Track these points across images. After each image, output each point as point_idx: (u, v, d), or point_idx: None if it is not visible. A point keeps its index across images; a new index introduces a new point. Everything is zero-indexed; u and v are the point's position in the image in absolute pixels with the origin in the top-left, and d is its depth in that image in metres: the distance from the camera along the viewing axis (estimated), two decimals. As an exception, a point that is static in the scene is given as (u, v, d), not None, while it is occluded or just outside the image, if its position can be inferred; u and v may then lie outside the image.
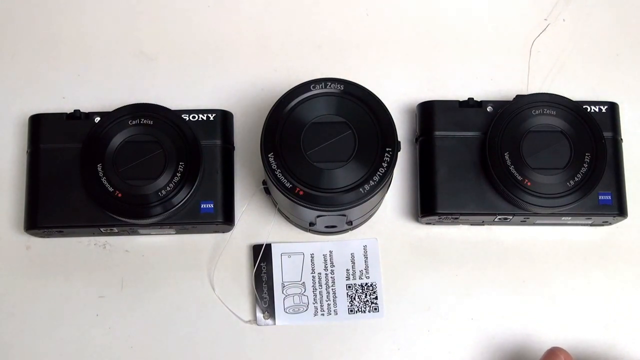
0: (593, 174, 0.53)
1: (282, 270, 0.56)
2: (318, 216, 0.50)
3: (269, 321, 0.56)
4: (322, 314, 0.56)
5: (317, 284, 0.56)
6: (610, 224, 0.57)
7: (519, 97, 0.54)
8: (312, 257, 0.57)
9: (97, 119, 0.54)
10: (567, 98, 0.54)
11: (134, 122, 0.53)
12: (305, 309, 0.56)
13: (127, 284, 0.56)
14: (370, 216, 0.57)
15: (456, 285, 0.56)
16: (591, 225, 0.57)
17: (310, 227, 0.55)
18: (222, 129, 0.55)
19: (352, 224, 0.55)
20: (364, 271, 0.57)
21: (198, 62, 0.60)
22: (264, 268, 0.56)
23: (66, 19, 0.61)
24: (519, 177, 0.52)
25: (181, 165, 0.52)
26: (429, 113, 0.56)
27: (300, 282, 0.56)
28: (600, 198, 0.54)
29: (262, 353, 0.56)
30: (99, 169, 0.52)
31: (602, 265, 0.57)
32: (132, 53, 0.61)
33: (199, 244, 0.57)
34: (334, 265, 0.57)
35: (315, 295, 0.56)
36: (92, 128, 0.53)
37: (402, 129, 0.59)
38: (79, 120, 0.54)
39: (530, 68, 0.60)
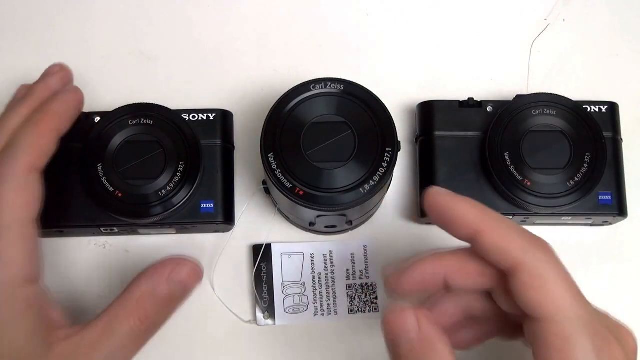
0: (593, 174, 0.53)
1: (282, 270, 0.56)
2: (318, 216, 0.50)
3: (269, 321, 0.56)
4: (322, 314, 0.56)
5: (317, 284, 0.56)
6: (610, 224, 0.57)
7: (519, 97, 0.54)
8: (312, 257, 0.57)
9: (97, 119, 0.54)
10: (567, 98, 0.54)
11: (134, 122, 0.53)
12: (305, 309, 0.56)
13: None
14: (370, 216, 0.57)
15: (456, 285, 0.56)
16: (591, 225, 0.57)
17: (310, 227, 0.55)
18: (222, 129, 0.55)
19: (352, 224, 0.55)
20: (364, 271, 0.57)
21: (198, 62, 0.60)
22: (264, 268, 0.56)
23: (66, 18, 0.61)
24: (519, 177, 0.52)
25: (181, 165, 0.52)
26: (429, 113, 0.56)
27: (300, 282, 0.56)
28: (600, 198, 0.54)
29: (262, 353, 0.56)
30: (99, 169, 0.52)
31: (601, 265, 0.57)
32: (132, 53, 0.61)
33: (199, 244, 0.57)
34: (334, 265, 0.57)
35: (315, 295, 0.56)
36: (92, 128, 0.53)
37: (402, 129, 0.59)
38: (78, 120, 0.54)
39: (530, 68, 0.60)
